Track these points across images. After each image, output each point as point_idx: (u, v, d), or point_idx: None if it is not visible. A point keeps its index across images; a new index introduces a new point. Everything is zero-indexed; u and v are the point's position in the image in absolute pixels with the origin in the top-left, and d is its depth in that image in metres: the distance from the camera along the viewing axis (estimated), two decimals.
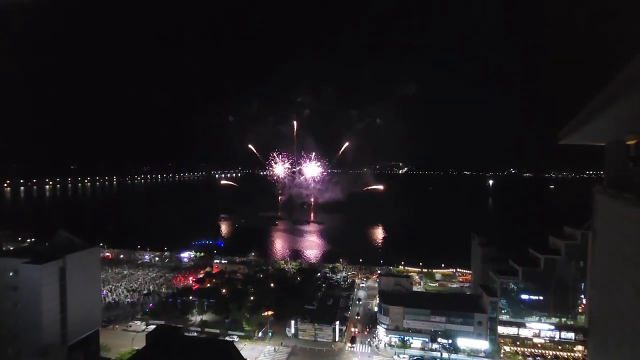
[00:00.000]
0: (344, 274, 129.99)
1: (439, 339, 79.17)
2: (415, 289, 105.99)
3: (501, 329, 79.66)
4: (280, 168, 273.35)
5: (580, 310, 79.26)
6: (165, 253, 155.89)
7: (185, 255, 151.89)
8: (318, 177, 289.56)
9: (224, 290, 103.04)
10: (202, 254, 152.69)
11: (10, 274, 67.46)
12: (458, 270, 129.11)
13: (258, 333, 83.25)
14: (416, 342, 79.59)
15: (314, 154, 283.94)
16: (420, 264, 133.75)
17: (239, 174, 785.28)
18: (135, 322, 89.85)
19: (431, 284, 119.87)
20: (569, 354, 76.78)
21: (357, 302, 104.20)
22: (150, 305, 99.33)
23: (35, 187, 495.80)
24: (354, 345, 79.29)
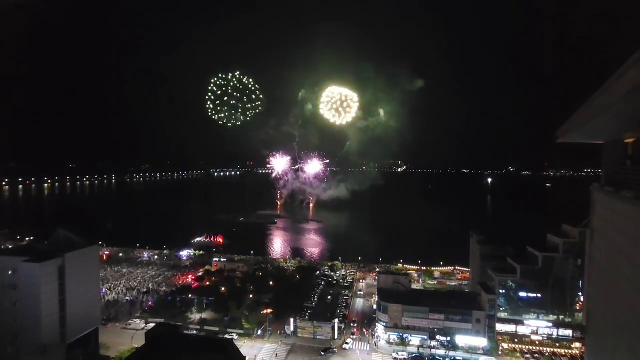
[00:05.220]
0: (343, 272, 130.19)
1: (438, 337, 79.48)
2: (414, 287, 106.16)
3: (499, 327, 79.99)
4: (280, 166, 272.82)
5: (578, 308, 79.63)
6: (165, 251, 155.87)
7: (185, 253, 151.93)
8: (319, 175, 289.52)
9: (223, 289, 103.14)
10: (201, 252, 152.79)
11: (10, 273, 67.42)
12: (457, 268, 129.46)
13: (257, 331, 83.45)
14: (415, 340, 79.85)
15: (314, 152, 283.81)
16: (419, 262, 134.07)
17: (238, 172, 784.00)
18: (135, 320, 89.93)
19: (430, 282, 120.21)
20: (566, 351, 77.18)
21: (356, 300, 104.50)
22: (150, 303, 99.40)
23: (34, 186, 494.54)
24: (325, 354, 75.81)
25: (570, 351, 77.09)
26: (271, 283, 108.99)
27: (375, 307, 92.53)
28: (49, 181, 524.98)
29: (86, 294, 74.46)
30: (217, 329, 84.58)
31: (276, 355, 75.62)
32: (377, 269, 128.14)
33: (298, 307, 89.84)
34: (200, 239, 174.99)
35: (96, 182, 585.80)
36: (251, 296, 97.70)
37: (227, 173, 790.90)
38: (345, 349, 77.95)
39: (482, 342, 77.73)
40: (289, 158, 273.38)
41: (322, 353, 76.01)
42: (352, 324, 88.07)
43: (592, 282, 24.50)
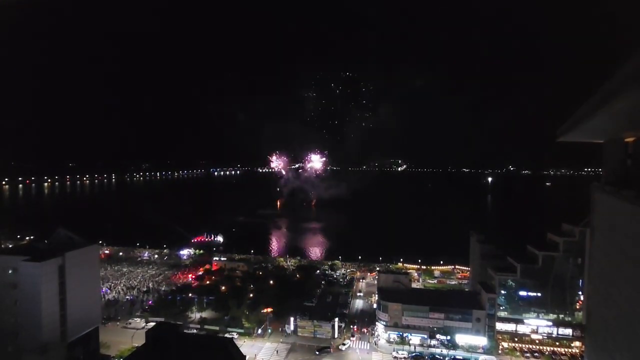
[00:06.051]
0: (343, 271, 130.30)
1: (438, 336, 79.53)
2: (413, 285, 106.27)
3: (499, 326, 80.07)
4: (281, 165, 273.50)
5: (577, 307, 79.72)
6: (165, 250, 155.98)
7: (185, 252, 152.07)
8: (319, 174, 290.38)
9: (223, 288, 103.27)
10: (201, 251, 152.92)
11: (10, 272, 67.58)
12: (457, 267, 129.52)
13: (257, 330, 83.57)
14: (415, 339, 79.92)
15: (315, 151, 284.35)
16: (419, 261, 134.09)
17: (238, 172, 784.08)
18: (135, 319, 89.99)
19: (430, 281, 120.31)
20: (566, 350, 77.23)
21: (356, 299, 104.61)
22: (150, 302, 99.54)
23: (34, 185, 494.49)
24: (319, 354, 75.94)
25: (570, 350, 77.15)
26: (271, 282, 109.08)
27: (375, 306, 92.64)
28: (49, 180, 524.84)
29: (86, 293, 74.66)
30: (217, 328, 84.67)
31: (277, 352, 75.97)
32: (377, 268, 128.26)
33: (298, 306, 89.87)
34: (200, 238, 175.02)
35: (96, 181, 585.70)
36: (251, 295, 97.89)
37: (227, 172, 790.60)
38: (341, 350, 77.17)
39: (482, 341, 77.79)
40: (289, 157, 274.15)
41: (317, 352, 75.99)
42: (352, 326, 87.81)
43: (592, 281, 24.51)
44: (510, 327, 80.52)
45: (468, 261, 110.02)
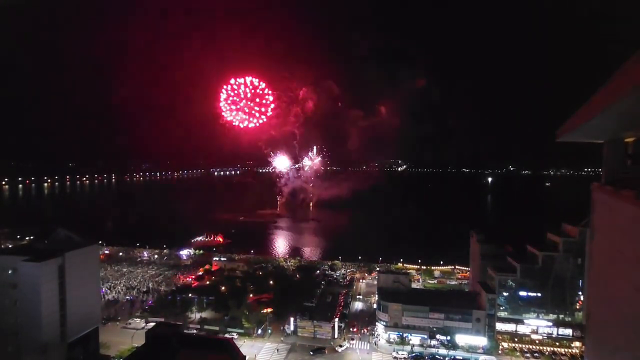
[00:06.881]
0: (343, 271, 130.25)
1: (438, 336, 79.52)
2: (414, 286, 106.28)
3: (499, 326, 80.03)
4: (281, 165, 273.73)
5: (577, 307, 79.66)
6: (165, 251, 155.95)
7: (185, 252, 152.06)
8: (319, 174, 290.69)
9: (223, 288, 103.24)
10: (201, 251, 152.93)
11: (9, 272, 67.50)
12: (457, 267, 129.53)
13: (257, 330, 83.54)
14: (415, 339, 79.93)
15: (315, 150, 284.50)
16: (419, 261, 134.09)
17: (238, 171, 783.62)
18: (135, 319, 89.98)
19: (430, 281, 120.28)
20: (566, 350, 77.19)
21: (356, 299, 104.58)
22: (150, 302, 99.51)
23: (33, 185, 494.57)
24: (314, 354, 75.72)
25: (570, 350, 77.11)
26: (271, 282, 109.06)
27: (375, 306, 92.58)
28: (49, 180, 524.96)
29: (86, 293, 74.54)
30: (217, 328, 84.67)
31: (277, 350, 76.14)
32: (377, 268, 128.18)
33: (298, 306, 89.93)
34: (200, 238, 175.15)
35: (96, 181, 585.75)
36: (251, 295, 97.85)
37: (227, 172, 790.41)
38: (338, 352, 76.56)
39: (482, 341, 77.80)
40: (289, 157, 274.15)
41: (311, 353, 75.62)
42: (351, 328, 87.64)
43: (592, 281, 24.51)
44: (510, 327, 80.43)
45: (468, 261, 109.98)
